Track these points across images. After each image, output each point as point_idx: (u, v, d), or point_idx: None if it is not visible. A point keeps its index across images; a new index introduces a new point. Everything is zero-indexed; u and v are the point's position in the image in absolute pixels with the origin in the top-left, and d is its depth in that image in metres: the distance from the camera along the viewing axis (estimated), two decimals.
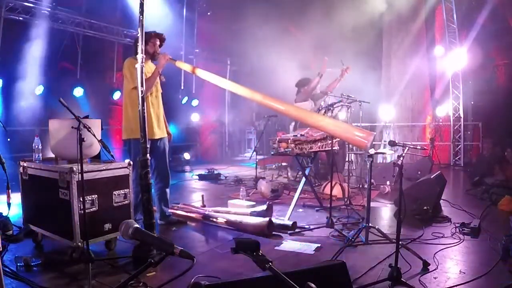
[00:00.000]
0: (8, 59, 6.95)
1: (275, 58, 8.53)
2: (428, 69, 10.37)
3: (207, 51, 12.00)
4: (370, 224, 3.59)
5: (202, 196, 5.23)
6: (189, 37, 11.12)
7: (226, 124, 13.11)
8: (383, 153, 3.88)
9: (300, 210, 5.03)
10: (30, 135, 3.80)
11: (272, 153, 4.65)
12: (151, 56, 4.17)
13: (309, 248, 3.51)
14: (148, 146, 3.25)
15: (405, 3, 9.39)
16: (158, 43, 4.22)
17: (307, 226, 4.17)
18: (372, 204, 4.47)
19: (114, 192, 3.31)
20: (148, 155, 3.20)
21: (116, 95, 8.75)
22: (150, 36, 4.09)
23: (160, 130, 4.26)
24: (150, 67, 4.21)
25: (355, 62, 8.92)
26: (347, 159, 6.59)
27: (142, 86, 3.15)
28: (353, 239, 3.57)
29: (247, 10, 8.95)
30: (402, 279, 2.65)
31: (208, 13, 11.63)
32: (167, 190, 4.40)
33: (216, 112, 12.63)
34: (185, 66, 4.41)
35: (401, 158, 2.91)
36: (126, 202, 3.41)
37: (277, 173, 7.92)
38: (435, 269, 2.95)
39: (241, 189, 5.36)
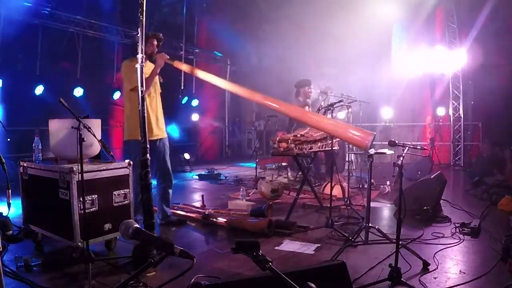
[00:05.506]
0: (8, 59, 6.94)
1: (275, 58, 8.53)
2: (428, 69, 10.36)
3: (207, 51, 12.00)
4: (370, 224, 3.59)
5: (202, 196, 5.23)
6: (189, 37, 11.11)
7: (226, 124, 13.11)
8: (383, 153, 3.86)
9: (300, 210, 5.04)
10: (30, 135, 3.79)
11: (272, 153, 4.65)
12: (149, 56, 4.13)
13: (309, 248, 3.52)
14: (148, 146, 3.25)
15: (405, 3, 9.38)
16: (155, 43, 4.21)
17: (307, 226, 4.17)
18: (372, 204, 4.46)
19: (114, 192, 3.31)
20: (148, 155, 3.19)
21: (116, 95, 8.75)
22: (148, 37, 4.06)
23: (159, 130, 4.27)
24: (148, 67, 4.19)
25: (355, 62, 8.98)
26: (347, 159, 6.59)
27: (142, 86, 3.15)
28: (353, 239, 3.57)
29: (248, 9, 8.95)
30: (402, 279, 2.65)
31: (208, 13, 11.61)
32: (170, 191, 4.40)
33: (216, 112, 12.62)
34: (183, 67, 4.33)
35: (401, 158, 2.91)
36: (126, 202, 3.42)
37: (277, 173, 7.91)
38: (435, 269, 2.95)
39: (241, 189, 5.37)
